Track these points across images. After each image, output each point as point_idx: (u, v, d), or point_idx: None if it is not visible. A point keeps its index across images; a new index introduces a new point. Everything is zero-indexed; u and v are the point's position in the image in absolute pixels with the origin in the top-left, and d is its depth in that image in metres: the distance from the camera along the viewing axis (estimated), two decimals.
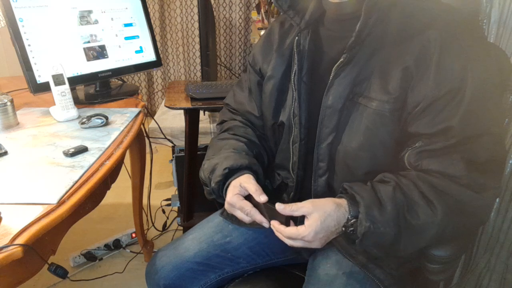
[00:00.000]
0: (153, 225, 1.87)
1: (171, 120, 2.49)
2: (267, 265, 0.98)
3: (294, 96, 0.84)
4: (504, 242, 1.05)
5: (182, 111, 1.51)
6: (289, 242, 0.73)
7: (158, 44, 3.02)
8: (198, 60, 3.11)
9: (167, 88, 1.64)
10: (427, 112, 0.71)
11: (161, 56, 2.25)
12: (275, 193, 0.96)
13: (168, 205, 2.01)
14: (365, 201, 0.70)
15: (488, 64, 0.71)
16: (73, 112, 1.19)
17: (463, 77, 0.68)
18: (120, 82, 1.53)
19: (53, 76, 1.14)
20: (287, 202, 0.92)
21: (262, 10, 2.51)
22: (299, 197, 0.91)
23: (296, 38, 0.85)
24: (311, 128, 0.84)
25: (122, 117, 1.22)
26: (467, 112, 0.68)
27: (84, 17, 1.32)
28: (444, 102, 0.69)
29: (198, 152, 1.62)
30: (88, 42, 1.33)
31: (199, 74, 3.14)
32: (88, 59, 1.33)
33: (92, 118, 1.13)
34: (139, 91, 1.50)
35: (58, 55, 1.26)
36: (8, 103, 1.10)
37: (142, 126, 1.34)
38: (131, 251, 1.79)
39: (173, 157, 1.77)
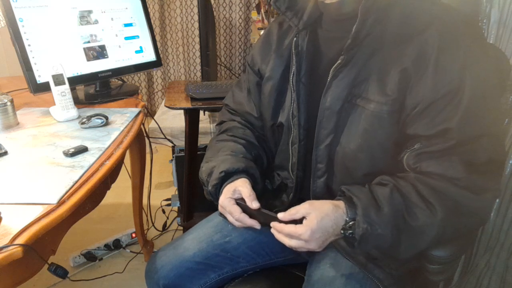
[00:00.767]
0: (153, 225, 1.87)
1: (171, 120, 2.49)
2: (267, 265, 0.98)
3: (292, 97, 0.84)
4: (504, 242, 1.05)
5: (182, 111, 1.51)
6: (288, 242, 0.73)
7: (158, 44, 3.02)
8: (198, 60, 3.11)
9: (167, 88, 1.64)
10: (425, 113, 0.70)
11: (161, 56, 2.25)
12: (275, 193, 0.96)
13: (168, 205, 2.01)
14: (362, 203, 0.70)
15: (487, 64, 0.71)
16: (73, 112, 1.19)
17: (462, 78, 0.68)
18: (120, 82, 1.53)
19: (53, 76, 1.15)
20: (287, 202, 0.92)
21: (262, 10, 2.51)
22: (298, 198, 0.91)
23: (295, 39, 0.85)
24: (310, 129, 0.84)
25: (122, 117, 1.22)
26: (466, 113, 0.68)
27: (84, 17, 1.32)
28: (442, 104, 0.69)
29: (198, 152, 1.62)
30: (88, 42, 1.33)
31: (199, 74, 3.14)
32: (88, 59, 1.33)
33: (92, 118, 1.13)
34: (139, 91, 1.50)
35: (58, 55, 1.26)
36: (8, 103, 1.10)
37: (142, 126, 1.34)
38: (131, 251, 1.79)
39: (173, 157, 1.77)
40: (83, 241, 1.77)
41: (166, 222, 1.96)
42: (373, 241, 0.70)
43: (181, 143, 2.17)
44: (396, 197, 0.71)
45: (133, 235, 1.83)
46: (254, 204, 0.78)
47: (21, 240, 0.68)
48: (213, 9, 2.31)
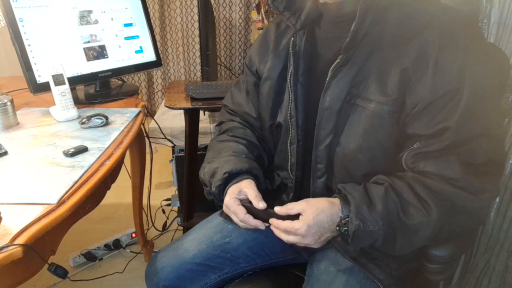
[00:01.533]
0: (153, 225, 1.87)
1: (171, 120, 2.49)
2: (267, 265, 0.98)
3: (290, 97, 0.84)
4: (504, 242, 1.05)
5: (182, 111, 1.51)
6: (284, 237, 0.75)
7: (158, 44, 3.02)
8: (198, 60, 3.11)
9: (167, 88, 1.64)
10: (425, 113, 0.70)
11: (161, 56, 2.25)
12: (275, 193, 0.96)
13: (168, 205, 2.01)
14: (355, 200, 0.72)
15: (487, 64, 0.71)
16: (73, 112, 1.19)
17: (462, 78, 0.68)
18: (120, 82, 1.53)
19: (53, 76, 1.15)
20: (287, 202, 0.92)
21: (262, 10, 2.51)
22: (298, 197, 0.91)
23: (292, 39, 0.84)
24: (309, 130, 0.84)
25: (122, 117, 1.22)
26: (465, 113, 0.68)
27: (84, 17, 1.32)
28: (442, 103, 0.69)
29: (198, 152, 1.62)
30: (88, 42, 1.33)
31: (199, 74, 3.14)
32: (88, 59, 1.33)
33: (92, 118, 1.13)
34: (139, 91, 1.50)
35: (58, 55, 1.26)
36: (8, 103, 1.10)
37: (142, 126, 1.34)
38: (131, 251, 1.79)
39: (173, 157, 1.77)
40: (83, 241, 1.77)
41: (166, 222, 1.96)
42: (366, 237, 0.71)
43: (181, 143, 2.17)
44: (391, 195, 0.71)
45: (133, 235, 1.83)
46: (261, 205, 0.79)
47: (21, 240, 0.68)
48: (213, 9, 2.31)
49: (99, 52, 1.35)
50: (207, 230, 0.97)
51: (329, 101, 0.78)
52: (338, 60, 0.75)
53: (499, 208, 1.04)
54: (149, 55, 1.49)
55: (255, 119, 0.98)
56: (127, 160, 1.44)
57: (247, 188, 0.82)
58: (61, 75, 1.16)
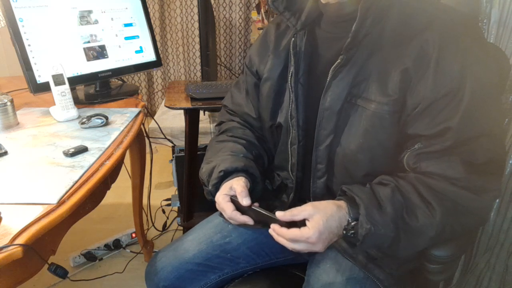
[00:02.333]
0: (153, 225, 1.87)
1: (171, 120, 2.49)
2: (267, 265, 0.97)
3: (291, 97, 0.84)
4: (504, 242, 1.06)
5: (182, 111, 1.51)
6: (291, 246, 0.72)
7: (158, 44, 3.02)
8: (198, 60, 3.11)
9: (167, 88, 1.64)
10: (426, 113, 0.70)
11: (161, 56, 2.26)
12: (275, 193, 0.96)
13: (168, 205, 2.01)
14: (364, 203, 0.70)
15: (487, 64, 0.71)
16: (73, 112, 1.19)
17: (462, 78, 0.68)
18: (120, 82, 1.53)
19: (53, 76, 1.15)
20: (287, 202, 0.92)
21: (262, 10, 2.51)
22: (298, 198, 0.91)
23: (293, 39, 0.84)
24: (309, 130, 0.84)
25: (122, 117, 1.22)
26: (466, 113, 0.68)
27: (84, 17, 1.32)
28: (443, 103, 0.69)
29: (198, 152, 1.62)
30: (88, 42, 1.33)
31: (199, 74, 3.14)
32: (88, 59, 1.33)
33: (92, 118, 1.13)
34: (139, 91, 1.50)
35: (58, 55, 1.26)
36: (8, 103, 1.10)
37: (142, 126, 1.34)
38: (131, 251, 1.79)
39: (173, 157, 1.77)
40: (83, 241, 1.77)
41: (166, 222, 1.96)
42: (375, 240, 0.70)
43: (181, 143, 2.17)
44: (397, 197, 0.70)
45: (133, 235, 1.83)
46: (245, 201, 0.78)
47: (21, 240, 0.68)
48: (213, 9, 2.31)
49: (99, 52, 1.35)
50: (207, 230, 0.97)
51: (329, 101, 0.78)
52: (338, 60, 0.75)
53: (499, 208, 1.05)
54: (149, 55, 1.49)
55: (254, 120, 0.98)
56: (127, 160, 1.44)
57: (235, 184, 0.81)
58: (61, 75, 1.16)
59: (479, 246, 1.11)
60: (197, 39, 2.99)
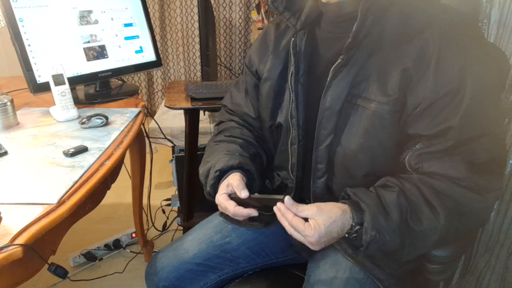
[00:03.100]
0: (153, 225, 1.87)
1: (171, 120, 2.49)
2: (267, 265, 0.97)
3: (291, 97, 0.84)
4: (504, 242, 1.05)
5: (182, 111, 1.51)
6: (290, 230, 0.71)
7: (158, 44, 3.02)
8: (198, 60, 3.10)
9: (167, 88, 1.64)
10: (426, 113, 0.70)
11: (161, 56, 2.25)
12: (275, 193, 0.96)
13: (168, 205, 2.01)
14: (370, 209, 0.69)
15: (487, 64, 0.71)
16: (73, 112, 1.19)
17: (462, 77, 0.68)
18: (120, 82, 1.53)
19: (53, 76, 1.14)
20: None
21: (262, 10, 2.51)
22: (299, 197, 0.91)
23: (292, 39, 0.84)
24: (309, 130, 0.84)
25: (122, 117, 1.22)
26: (466, 113, 0.68)
27: (84, 17, 1.32)
28: (443, 103, 0.69)
29: (198, 152, 1.62)
30: (88, 42, 1.33)
31: (199, 74, 3.14)
32: (88, 59, 1.33)
33: (92, 118, 1.13)
34: (139, 91, 1.50)
35: (58, 55, 1.26)
36: (8, 103, 1.10)
37: (142, 126, 1.34)
38: (131, 251, 1.79)
39: (173, 157, 1.77)
40: (83, 241, 1.77)
41: (166, 222, 1.96)
42: (380, 246, 0.69)
43: (181, 143, 2.17)
44: (402, 201, 0.70)
45: (133, 235, 1.83)
46: (243, 194, 0.78)
47: (21, 240, 0.68)
48: (213, 9, 2.30)
49: (99, 52, 1.35)
50: (207, 230, 0.97)
51: (330, 101, 0.78)
52: (339, 60, 0.75)
53: (499, 208, 1.04)
54: (149, 55, 1.49)
55: (254, 119, 0.98)
56: (127, 160, 1.44)
57: (231, 179, 0.82)
58: (61, 75, 1.16)
59: (479, 246, 1.11)
60: (197, 39, 2.99)
